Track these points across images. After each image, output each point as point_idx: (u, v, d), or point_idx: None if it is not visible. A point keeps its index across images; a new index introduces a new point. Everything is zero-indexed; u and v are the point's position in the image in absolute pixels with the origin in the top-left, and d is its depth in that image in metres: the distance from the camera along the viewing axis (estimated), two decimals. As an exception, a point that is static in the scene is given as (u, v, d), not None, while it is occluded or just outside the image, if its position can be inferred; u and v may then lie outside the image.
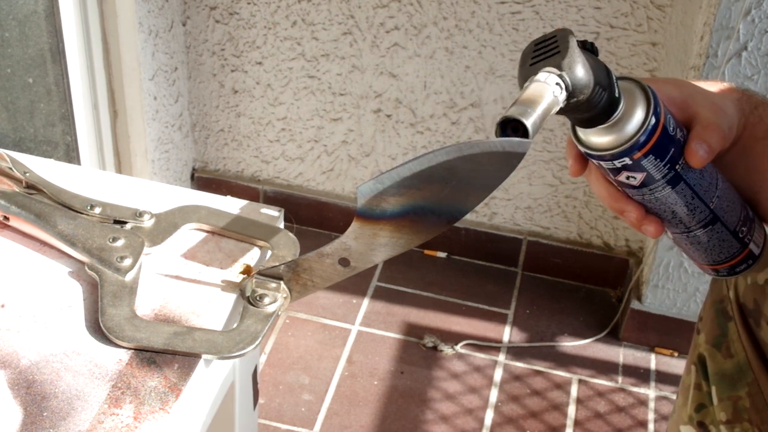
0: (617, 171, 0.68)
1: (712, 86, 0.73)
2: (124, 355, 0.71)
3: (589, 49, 0.65)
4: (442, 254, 2.31)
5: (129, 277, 0.77)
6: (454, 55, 2.02)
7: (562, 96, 0.61)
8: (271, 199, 2.34)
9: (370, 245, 0.68)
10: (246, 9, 2.08)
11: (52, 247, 0.82)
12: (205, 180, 2.36)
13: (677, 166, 0.68)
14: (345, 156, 2.24)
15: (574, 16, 1.92)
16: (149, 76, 1.99)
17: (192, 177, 2.37)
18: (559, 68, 0.61)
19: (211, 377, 0.75)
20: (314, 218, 2.34)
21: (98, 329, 0.73)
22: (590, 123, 0.66)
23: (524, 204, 2.19)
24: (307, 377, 1.95)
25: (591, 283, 2.25)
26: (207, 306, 0.77)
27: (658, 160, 0.67)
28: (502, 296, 2.21)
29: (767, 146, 0.71)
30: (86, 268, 0.78)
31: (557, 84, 0.61)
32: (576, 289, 2.24)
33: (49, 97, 1.84)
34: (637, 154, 0.66)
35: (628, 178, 0.68)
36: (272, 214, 0.88)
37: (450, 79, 2.06)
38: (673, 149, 0.67)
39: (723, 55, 1.64)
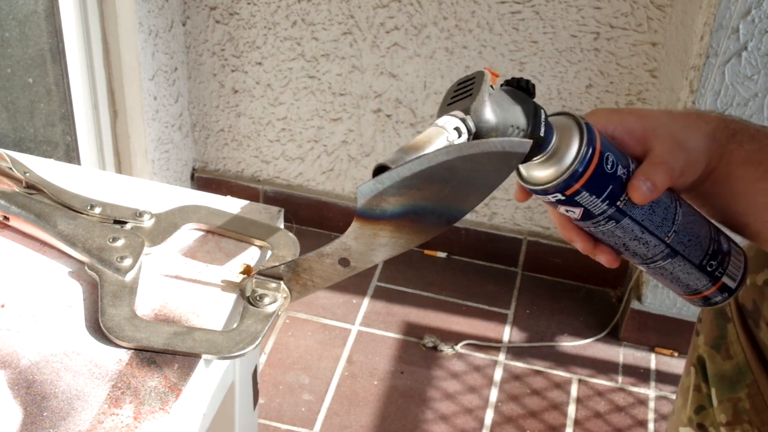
0: (554, 204, 0.69)
1: (680, 118, 0.72)
2: (124, 355, 0.71)
3: (523, 87, 0.66)
4: (442, 254, 2.31)
5: (129, 277, 0.77)
6: (454, 55, 2.02)
7: (461, 140, 0.62)
8: (271, 199, 2.34)
9: (370, 245, 0.68)
10: (246, 9, 2.08)
11: (52, 247, 0.82)
12: (205, 180, 2.36)
13: (619, 203, 0.68)
14: (345, 156, 2.24)
15: (574, 16, 1.92)
16: (149, 76, 1.99)
17: (192, 177, 2.37)
18: (467, 111, 0.62)
19: (211, 377, 0.75)
20: (314, 218, 2.34)
21: (98, 329, 0.73)
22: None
23: (524, 204, 2.19)
24: (307, 377, 1.95)
25: (591, 283, 2.25)
26: (207, 306, 0.77)
27: (594, 196, 0.67)
28: (502, 296, 2.21)
29: (748, 171, 0.70)
30: (86, 268, 0.78)
31: (456, 128, 0.62)
32: (576, 289, 2.24)
33: (49, 97, 1.84)
34: (569, 191, 0.67)
35: (567, 211, 0.69)
36: (272, 214, 0.88)
37: (450, 79, 2.05)
38: (612, 186, 0.67)
39: (723, 55, 1.64)
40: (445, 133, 0.61)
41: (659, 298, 2.01)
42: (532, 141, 0.63)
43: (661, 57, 1.93)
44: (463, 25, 1.98)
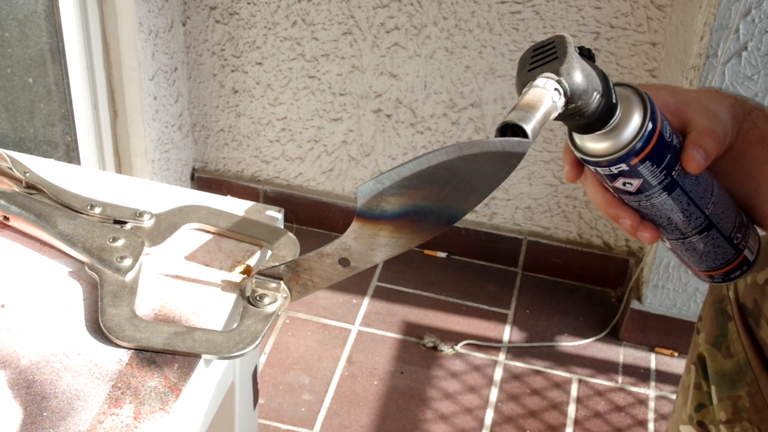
0: (614, 177, 0.68)
1: (705, 92, 0.73)
2: (124, 355, 0.71)
3: (586, 55, 0.65)
4: (442, 254, 2.31)
5: (129, 277, 0.77)
6: (454, 55, 2.02)
7: (561, 101, 0.61)
8: (271, 199, 2.34)
9: (370, 245, 0.68)
10: (246, 9, 2.08)
11: (52, 247, 0.82)
12: (205, 180, 2.36)
13: (673, 173, 0.68)
14: (345, 156, 2.24)
15: (574, 16, 1.92)
16: (149, 76, 1.99)
17: (192, 177, 2.37)
18: (557, 74, 0.61)
19: (211, 377, 0.75)
20: (314, 218, 2.34)
21: (98, 329, 0.73)
22: (587, 129, 0.66)
23: (524, 204, 2.19)
24: (307, 377, 1.95)
25: (591, 283, 2.25)
26: (207, 306, 0.77)
27: (655, 166, 0.67)
28: (502, 296, 2.21)
29: (761, 151, 0.71)
30: (86, 268, 0.78)
31: (555, 89, 0.61)
32: (576, 289, 2.24)
33: (49, 97, 1.84)
34: (634, 160, 0.66)
35: (624, 184, 0.69)
36: (272, 214, 0.88)
37: (450, 79, 2.06)
38: (669, 155, 0.67)
39: (723, 55, 1.64)
40: (548, 93, 0.60)
41: (659, 298, 2.01)
42: (532, 141, 0.63)
43: (661, 57, 1.93)
44: (463, 25, 1.98)
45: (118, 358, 0.71)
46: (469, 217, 2.22)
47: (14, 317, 0.74)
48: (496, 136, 0.60)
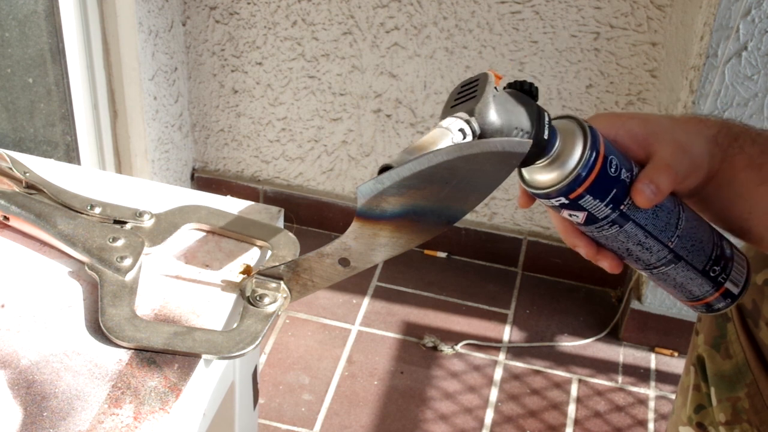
0: (558, 209, 0.68)
1: (683, 122, 0.72)
2: (124, 355, 0.71)
3: (527, 90, 0.65)
4: (442, 254, 2.31)
5: (129, 277, 0.77)
6: (454, 55, 2.02)
7: (466, 141, 0.62)
8: (271, 199, 2.34)
9: (370, 245, 0.68)
10: (246, 9, 2.08)
11: (52, 247, 0.82)
12: (205, 180, 2.36)
13: (622, 206, 0.67)
14: (345, 156, 2.24)
15: (574, 16, 1.92)
16: (149, 76, 1.99)
17: (192, 177, 2.37)
18: (471, 113, 0.62)
19: (211, 377, 0.75)
20: (314, 218, 2.34)
21: (98, 329, 0.73)
22: (523, 162, 0.66)
23: (524, 204, 2.19)
24: (307, 377, 1.95)
25: (591, 283, 2.25)
26: (207, 306, 0.77)
27: (598, 200, 0.66)
28: (502, 296, 2.21)
29: (751, 174, 0.70)
30: (86, 268, 0.78)
31: (460, 130, 0.62)
32: (576, 289, 2.24)
33: (49, 97, 1.84)
34: (573, 195, 0.66)
35: (570, 215, 0.69)
36: (272, 214, 0.88)
37: (450, 79, 2.06)
38: (615, 189, 0.67)
39: (723, 55, 1.64)
40: (450, 135, 0.61)
41: (659, 298, 2.01)
42: (532, 141, 0.63)
43: (661, 57, 1.93)
44: (463, 25, 1.98)
45: (118, 358, 0.71)
46: (469, 217, 2.22)
47: (14, 317, 0.74)
48: (378, 174, 0.62)
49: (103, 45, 1.91)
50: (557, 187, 0.66)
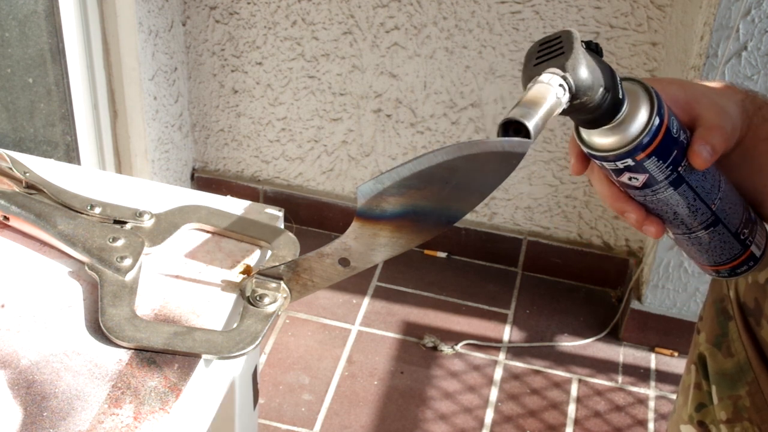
0: (620, 172, 0.68)
1: (716, 87, 0.73)
2: (124, 355, 0.71)
3: (593, 49, 0.65)
4: (442, 254, 2.31)
5: (129, 277, 0.77)
6: (454, 55, 2.02)
7: (566, 97, 0.61)
8: (271, 199, 2.34)
9: (370, 245, 0.68)
10: (246, 9, 2.08)
11: (52, 247, 0.82)
12: (205, 180, 2.36)
13: (680, 168, 0.68)
14: (345, 156, 2.24)
15: (574, 16, 1.92)
16: (149, 76, 1.99)
17: (192, 177, 2.37)
18: (563, 69, 0.61)
19: (211, 377, 0.75)
20: (314, 218, 2.34)
21: (98, 329, 0.73)
22: (593, 124, 0.66)
23: (524, 204, 2.19)
24: (307, 377, 1.95)
25: (591, 283, 2.25)
26: (207, 306, 0.77)
27: (661, 161, 0.67)
28: (502, 296, 2.21)
29: None
30: (86, 268, 0.78)
31: (560, 85, 0.61)
32: (576, 289, 2.24)
33: (49, 97, 1.84)
34: (640, 156, 0.66)
35: (630, 179, 0.68)
36: (272, 214, 0.88)
37: (450, 79, 2.06)
38: (676, 151, 0.67)
39: (723, 55, 1.64)
40: (553, 89, 0.60)
41: (659, 298, 2.01)
42: (532, 141, 0.63)
43: (661, 57, 1.93)
44: (463, 25, 1.98)
45: (118, 358, 0.71)
46: (469, 217, 2.22)
47: (14, 317, 0.74)
48: (498, 133, 0.60)
49: (103, 45, 1.91)
50: (626, 149, 0.66)
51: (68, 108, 1.87)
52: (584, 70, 0.61)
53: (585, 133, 0.68)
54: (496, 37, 1.98)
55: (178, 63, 2.14)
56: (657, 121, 0.65)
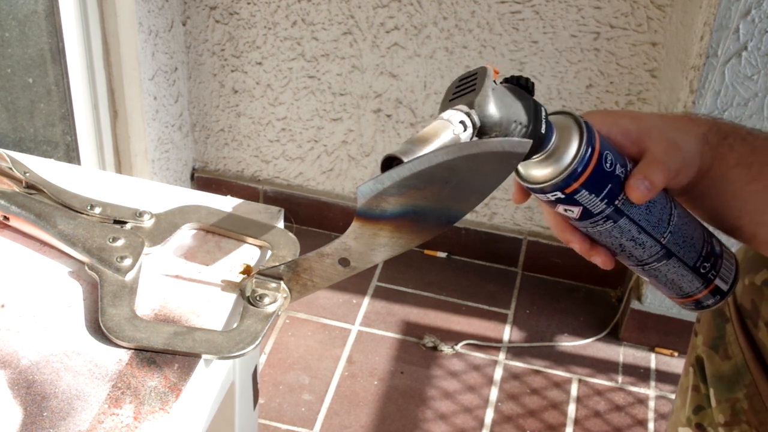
0: (553, 204, 0.69)
1: (673, 120, 0.73)
2: (124, 355, 0.71)
3: (523, 85, 0.65)
4: (442, 254, 2.31)
5: (129, 277, 0.77)
6: (454, 55, 2.02)
7: (466, 134, 0.62)
8: (271, 199, 2.34)
9: (370, 245, 0.68)
10: (246, 9, 2.08)
11: (52, 247, 0.82)
12: (205, 180, 2.36)
13: (617, 202, 0.68)
14: (345, 156, 2.24)
15: (574, 16, 1.92)
16: (149, 76, 1.99)
17: (192, 177, 2.37)
18: (470, 106, 0.62)
19: (211, 377, 0.75)
20: (314, 218, 2.34)
21: (98, 329, 0.73)
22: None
23: (524, 204, 2.19)
24: (307, 377, 1.95)
25: (591, 283, 2.25)
26: (207, 306, 0.77)
27: (593, 195, 0.67)
28: (502, 296, 2.21)
29: (741, 173, 0.70)
30: (86, 268, 0.78)
31: (461, 122, 0.62)
32: (576, 289, 2.24)
33: (49, 97, 1.84)
34: (569, 189, 0.67)
35: (565, 210, 0.69)
36: (272, 214, 0.88)
37: (450, 79, 2.06)
38: (611, 185, 0.67)
39: (723, 55, 1.64)
40: (451, 126, 0.61)
41: (659, 298, 2.01)
42: (532, 141, 0.63)
43: (661, 57, 1.93)
44: (463, 25, 1.98)
45: (118, 358, 0.71)
46: (469, 217, 2.22)
47: (14, 317, 0.74)
48: (382, 168, 0.61)
49: (103, 45, 1.91)
50: (553, 181, 0.66)
51: (68, 108, 1.87)
52: (491, 107, 0.62)
53: (519, 165, 0.68)
54: (496, 37, 1.98)
55: (178, 63, 2.14)
56: (586, 154, 0.65)
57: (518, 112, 0.64)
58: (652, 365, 2.06)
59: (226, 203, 0.89)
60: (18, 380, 0.68)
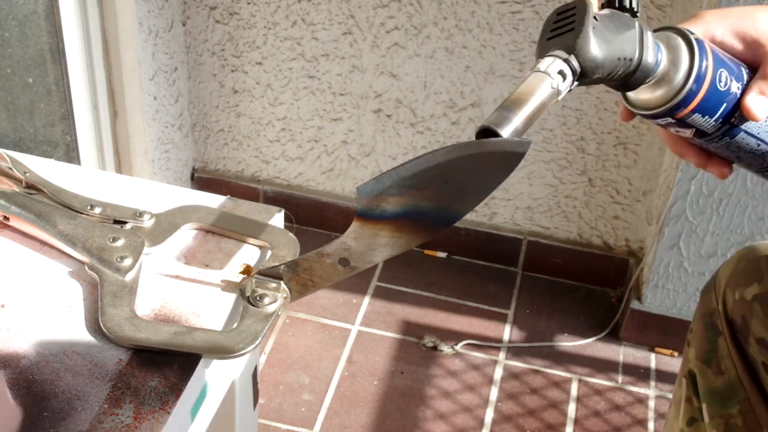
0: (664, 127, 0.65)
1: None
2: (124, 355, 0.71)
3: (626, 7, 0.61)
4: (442, 254, 2.31)
5: (129, 277, 0.77)
6: (454, 55, 2.02)
7: (566, 84, 0.58)
8: (271, 199, 2.34)
9: (370, 245, 0.68)
10: (246, 9, 2.08)
11: (52, 247, 0.82)
12: (205, 180, 2.36)
13: (733, 119, 0.64)
14: (345, 156, 2.24)
15: (574, 16, 1.92)
16: (149, 76, 1.99)
17: (192, 177, 2.37)
18: (569, 50, 0.58)
19: (211, 377, 0.75)
20: (314, 218, 2.34)
21: (98, 329, 0.73)
22: (624, 88, 0.63)
23: (524, 204, 2.19)
24: (307, 377, 1.95)
25: (591, 283, 2.25)
26: (207, 306, 0.77)
27: (707, 116, 0.63)
28: (502, 296, 2.21)
29: None
30: (86, 268, 0.78)
31: (560, 72, 0.58)
32: (576, 289, 2.24)
33: (49, 97, 1.84)
34: (680, 114, 0.63)
35: (677, 131, 0.66)
36: (272, 214, 0.88)
37: (450, 79, 2.06)
38: (725, 104, 0.63)
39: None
40: (549, 79, 0.57)
41: (659, 298, 2.01)
42: (531, 141, 0.62)
43: (661, 57, 1.93)
44: (463, 25, 1.98)
45: (118, 358, 0.71)
46: (469, 217, 2.22)
47: (14, 317, 0.74)
48: (476, 138, 0.59)
49: (103, 45, 1.91)
50: (663, 108, 0.63)
51: (68, 108, 1.87)
52: (593, 48, 0.58)
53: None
54: (496, 37, 1.98)
55: (178, 63, 2.14)
56: (698, 78, 0.61)
57: (623, 46, 0.59)
58: (652, 365, 2.06)
59: (226, 203, 0.89)
60: (18, 380, 0.68)
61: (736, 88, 0.64)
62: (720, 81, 0.63)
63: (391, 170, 0.62)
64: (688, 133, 0.65)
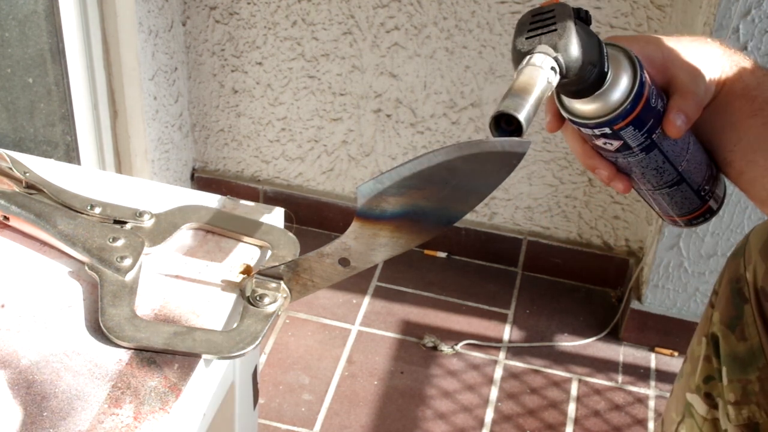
0: (596, 137, 0.69)
1: (691, 43, 0.72)
2: (124, 355, 0.71)
3: (583, 18, 0.64)
4: (442, 254, 2.31)
5: (129, 277, 0.77)
6: (454, 55, 2.02)
7: (556, 79, 0.61)
8: (271, 199, 2.34)
9: (370, 245, 0.68)
10: (246, 9, 2.08)
11: (52, 247, 0.82)
12: (205, 180, 2.36)
13: (654, 135, 0.68)
14: (345, 156, 2.24)
15: (574, 16, 1.92)
16: (149, 76, 1.99)
17: (192, 177, 2.37)
18: (555, 49, 0.60)
19: (211, 377, 0.75)
20: (314, 218, 2.34)
21: (98, 329, 0.73)
22: (576, 95, 0.66)
23: (524, 204, 2.19)
24: (307, 377, 1.95)
25: (591, 283, 2.25)
26: (207, 306, 0.77)
27: (637, 130, 0.67)
28: (502, 296, 2.21)
29: (744, 105, 0.70)
30: (86, 268, 0.78)
31: (552, 68, 0.60)
32: (576, 289, 2.24)
33: (49, 97, 1.84)
34: (618, 125, 0.66)
35: (605, 143, 0.69)
36: (272, 214, 0.88)
37: (450, 79, 2.06)
38: (652, 120, 0.67)
39: (723, 55, 1.64)
40: (545, 73, 0.59)
41: (659, 298, 2.01)
42: (531, 141, 0.63)
43: (661, 57, 1.93)
44: (463, 25, 1.98)
45: (118, 358, 0.71)
46: (469, 217, 2.22)
47: (14, 317, 0.74)
48: (490, 125, 0.59)
49: (103, 45, 1.91)
50: (604, 118, 0.66)
51: (68, 108, 1.87)
52: (576, 50, 0.60)
53: (566, 99, 0.68)
54: (496, 37, 1.98)
55: (178, 63, 2.14)
56: (637, 94, 0.65)
57: (591, 52, 0.62)
58: (652, 365, 2.06)
59: (226, 203, 0.89)
60: (18, 380, 0.68)
61: (660, 105, 0.68)
62: (652, 97, 0.67)
63: (391, 170, 0.62)
64: (614, 145, 0.68)
